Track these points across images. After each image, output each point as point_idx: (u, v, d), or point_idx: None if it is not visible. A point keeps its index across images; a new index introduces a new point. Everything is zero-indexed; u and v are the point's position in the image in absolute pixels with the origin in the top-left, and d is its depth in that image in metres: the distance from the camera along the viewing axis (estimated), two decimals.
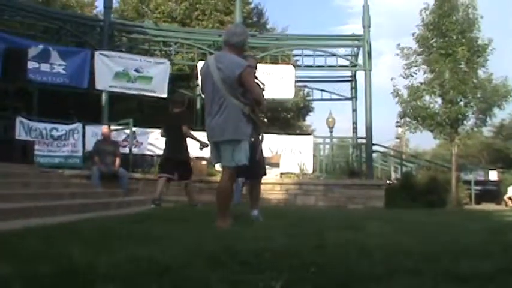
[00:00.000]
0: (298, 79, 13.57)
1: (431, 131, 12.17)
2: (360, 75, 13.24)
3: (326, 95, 14.95)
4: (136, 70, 11.28)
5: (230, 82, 3.69)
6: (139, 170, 10.49)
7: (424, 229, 3.97)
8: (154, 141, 10.89)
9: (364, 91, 12.00)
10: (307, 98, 17.91)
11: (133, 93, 11.50)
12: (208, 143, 3.99)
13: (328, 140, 13.37)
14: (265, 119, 4.17)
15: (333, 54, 12.95)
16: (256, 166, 4.28)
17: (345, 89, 14.81)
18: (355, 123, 14.49)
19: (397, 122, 13.46)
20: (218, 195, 3.79)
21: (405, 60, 12.41)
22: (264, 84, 4.36)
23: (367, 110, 11.84)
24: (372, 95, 11.89)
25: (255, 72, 4.57)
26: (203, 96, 4.12)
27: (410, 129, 12.70)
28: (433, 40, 12.31)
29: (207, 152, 11.73)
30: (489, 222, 5.01)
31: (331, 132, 17.55)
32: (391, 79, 13.21)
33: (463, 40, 11.87)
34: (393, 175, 14.33)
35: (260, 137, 4.14)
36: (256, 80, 4.14)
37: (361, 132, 13.08)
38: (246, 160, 3.75)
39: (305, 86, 16.12)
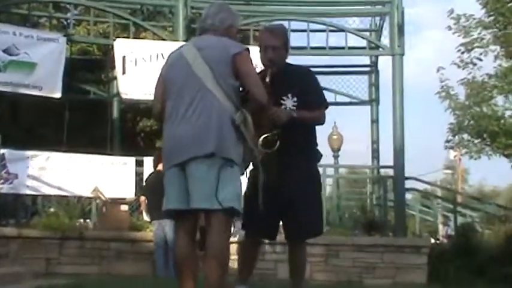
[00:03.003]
0: None
1: (508, 156, 12.30)
2: (386, 64, 13.41)
3: (328, 96, 15.04)
4: (6, 51, 11.14)
5: (219, 65, 3.89)
6: (11, 222, 10.39)
7: None
8: (38, 171, 10.79)
9: (391, 89, 12.11)
10: None
11: (2, 89, 11.34)
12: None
13: (331, 171, 13.42)
14: (276, 140, 4.29)
15: (341, 29, 13.08)
16: (293, 220, 4.50)
17: (359, 86, 15.03)
18: (376, 142, 14.65)
19: (448, 141, 13.62)
20: (216, 264, 3.80)
21: (462, 37, 12.61)
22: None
23: (397, 120, 11.93)
24: (404, 95, 12.04)
25: None
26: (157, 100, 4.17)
27: (469, 153, 12.84)
28: None
29: (127, 191, 11.70)
30: None
31: (336, 157, 17.71)
32: (438, 70, 13.48)
33: None
34: (442, 230, 14.45)
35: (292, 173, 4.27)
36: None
37: (387, 157, 13.17)
38: (238, 203, 3.88)
39: None
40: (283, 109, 4.53)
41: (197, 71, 3.89)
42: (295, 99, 4.58)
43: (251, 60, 4.04)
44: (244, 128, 3.89)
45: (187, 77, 3.93)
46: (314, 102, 4.71)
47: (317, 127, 4.86)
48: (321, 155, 4.90)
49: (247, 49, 4.02)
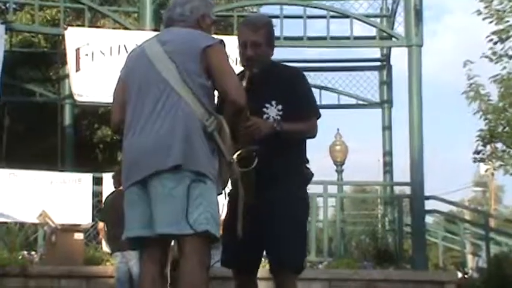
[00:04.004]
0: None
1: None
2: (399, 57, 13.45)
3: (329, 97, 15.20)
4: None
5: (186, 62, 3.95)
6: None
7: None
8: None
9: (407, 89, 12.15)
10: None
11: None
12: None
13: (333, 189, 13.43)
14: (253, 157, 4.22)
15: (345, 15, 13.14)
16: (275, 246, 4.43)
17: (368, 84, 15.09)
18: (388, 154, 14.76)
19: (477, 152, 13.64)
20: None
21: (495, 24, 12.67)
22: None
23: (415, 127, 11.97)
24: (423, 96, 12.06)
25: None
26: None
27: (504, 166, 12.87)
28: None
29: (82, 215, 11.67)
30: None
31: (340, 172, 17.74)
32: (465, 64, 13.52)
33: None
34: (471, 261, 14.46)
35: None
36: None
37: (402, 173, 13.22)
38: (214, 226, 3.86)
39: None
40: (264, 120, 4.48)
41: (161, 69, 3.96)
42: (280, 107, 4.54)
43: (226, 54, 4.07)
44: (218, 137, 3.90)
45: (149, 77, 3.99)
46: (304, 111, 4.64)
47: (309, 140, 4.77)
48: (312, 175, 4.82)
49: (222, 41, 4.05)
